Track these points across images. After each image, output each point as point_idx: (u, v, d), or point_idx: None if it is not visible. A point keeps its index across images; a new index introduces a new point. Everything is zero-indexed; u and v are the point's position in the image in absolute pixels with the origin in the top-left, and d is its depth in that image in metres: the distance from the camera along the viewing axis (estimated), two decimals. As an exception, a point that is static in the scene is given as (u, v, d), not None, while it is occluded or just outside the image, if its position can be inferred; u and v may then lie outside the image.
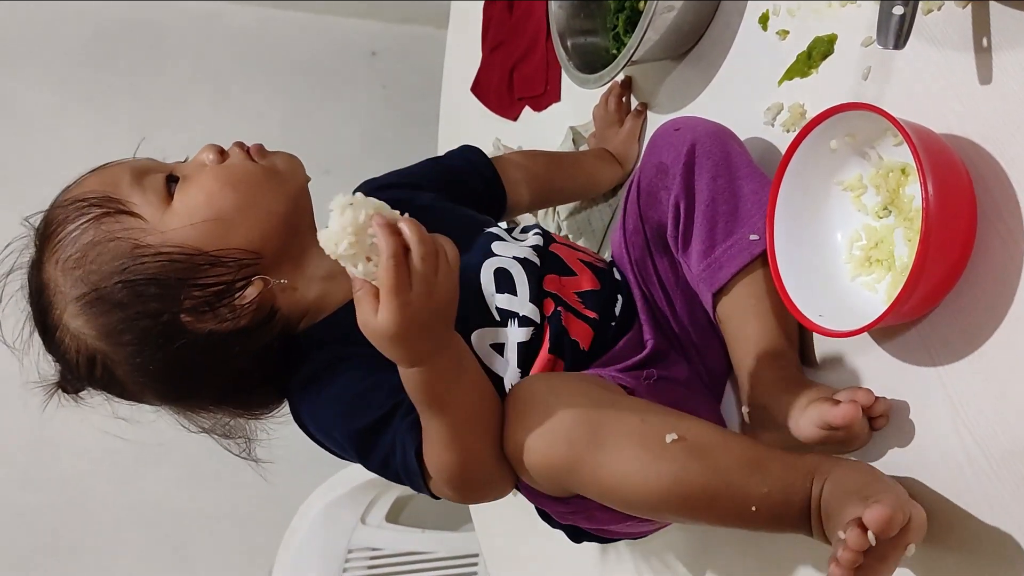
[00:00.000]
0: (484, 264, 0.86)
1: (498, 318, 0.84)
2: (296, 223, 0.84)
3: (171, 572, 2.08)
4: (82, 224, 0.79)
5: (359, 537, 1.95)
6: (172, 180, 0.81)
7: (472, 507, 1.60)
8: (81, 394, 0.87)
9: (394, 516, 2.00)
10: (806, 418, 0.74)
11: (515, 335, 0.84)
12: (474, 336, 0.83)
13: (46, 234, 0.81)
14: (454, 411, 0.71)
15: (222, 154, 0.83)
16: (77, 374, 0.84)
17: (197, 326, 0.79)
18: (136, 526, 2.05)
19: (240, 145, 0.85)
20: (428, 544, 1.97)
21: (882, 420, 0.74)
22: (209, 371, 0.81)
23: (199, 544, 2.09)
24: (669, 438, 0.70)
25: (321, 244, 0.66)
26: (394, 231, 0.64)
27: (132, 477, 2.04)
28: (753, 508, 0.68)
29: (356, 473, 1.89)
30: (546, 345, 0.85)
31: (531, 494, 0.81)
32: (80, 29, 2.09)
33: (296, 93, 2.23)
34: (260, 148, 0.85)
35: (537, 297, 0.85)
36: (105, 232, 0.79)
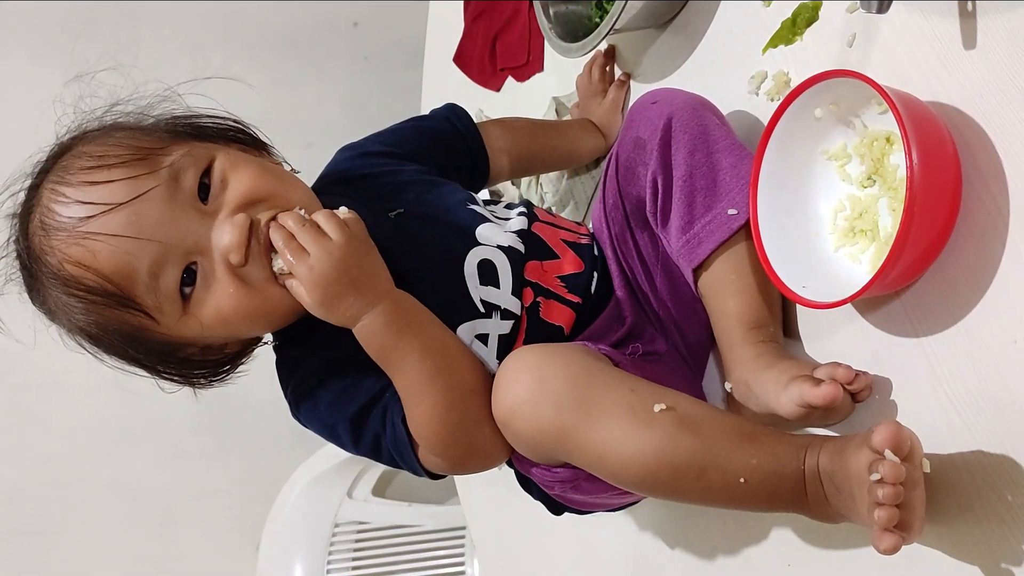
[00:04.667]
0: (469, 254, 0.85)
1: (482, 309, 0.84)
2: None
3: (158, 549, 2.07)
4: (83, 307, 0.76)
5: (345, 511, 1.95)
6: (187, 275, 0.76)
7: (458, 481, 1.60)
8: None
9: (380, 490, 2.00)
10: (787, 396, 0.74)
11: (497, 327, 0.84)
12: (462, 328, 0.83)
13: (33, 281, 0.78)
14: (414, 359, 0.76)
15: (246, 255, 0.76)
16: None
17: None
18: (122, 503, 2.05)
19: (265, 239, 0.77)
20: (414, 518, 1.98)
21: (864, 393, 0.74)
22: (155, 353, 0.81)
23: (185, 521, 2.09)
24: (658, 407, 0.70)
25: None
26: (277, 226, 0.76)
27: (117, 454, 2.03)
28: (742, 480, 0.67)
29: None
30: (522, 337, 0.84)
31: (521, 461, 0.82)
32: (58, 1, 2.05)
33: (277, 64, 2.19)
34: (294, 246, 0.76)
35: (518, 288, 0.85)
36: (109, 317, 0.76)
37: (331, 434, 0.84)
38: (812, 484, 0.67)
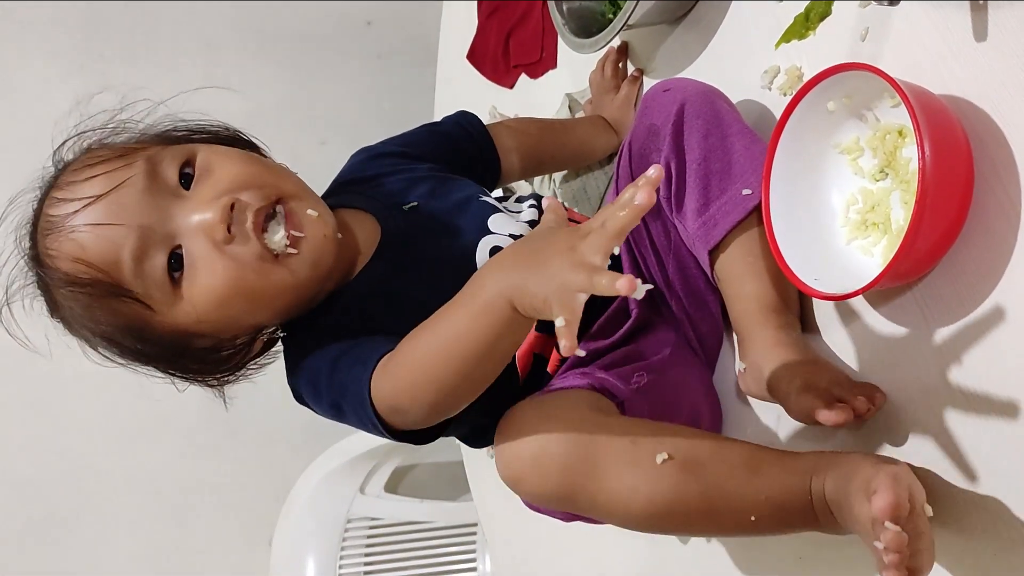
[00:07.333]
0: (480, 243, 0.86)
1: None
2: (311, 291, 0.82)
3: (171, 543, 2.08)
4: (83, 302, 0.77)
5: (358, 507, 1.96)
6: (174, 259, 0.77)
7: (470, 478, 1.60)
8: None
9: (393, 486, 2.01)
10: (797, 402, 0.74)
11: None
12: None
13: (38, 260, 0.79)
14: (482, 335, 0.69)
15: (230, 229, 0.76)
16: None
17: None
18: (136, 497, 2.06)
19: (257, 217, 0.77)
20: (427, 514, 1.98)
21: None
22: (164, 347, 0.81)
23: (199, 515, 2.10)
24: (659, 458, 0.70)
25: None
26: None
27: (131, 448, 2.05)
28: (752, 518, 0.69)
29: (354, 444, 1.90)
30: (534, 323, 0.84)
31: (530, 504, 0.81)
32: (73, -1, 2.07)
33: (291, 63, 2.21)
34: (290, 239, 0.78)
35: None
36: (108, 310, 0.77)
37: (330, 406, 0.82)
38: (820, 507, 0.68)
